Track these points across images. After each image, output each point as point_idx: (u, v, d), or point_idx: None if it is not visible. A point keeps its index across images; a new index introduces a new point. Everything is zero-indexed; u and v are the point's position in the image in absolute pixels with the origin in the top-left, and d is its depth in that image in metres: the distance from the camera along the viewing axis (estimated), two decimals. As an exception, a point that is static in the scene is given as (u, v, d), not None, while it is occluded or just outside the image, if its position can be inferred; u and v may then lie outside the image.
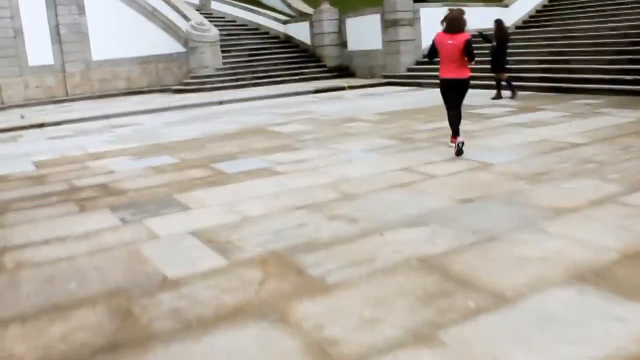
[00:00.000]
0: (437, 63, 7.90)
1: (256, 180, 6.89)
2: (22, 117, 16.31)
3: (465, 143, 7.66)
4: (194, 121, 13.36)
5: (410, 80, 19.31)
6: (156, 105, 17.03)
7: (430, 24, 21.28)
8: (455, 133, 7.70)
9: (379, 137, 9.28)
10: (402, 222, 4.97)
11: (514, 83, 13.48)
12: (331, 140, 9.30)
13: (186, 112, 15.66)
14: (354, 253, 4.31)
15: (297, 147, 8.89)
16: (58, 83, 22.41)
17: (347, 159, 7.81)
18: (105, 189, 7.07)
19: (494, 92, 13.59)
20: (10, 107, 20.89)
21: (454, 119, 7.74)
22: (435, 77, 8.62)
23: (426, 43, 21.57)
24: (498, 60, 13.39)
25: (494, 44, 13.16)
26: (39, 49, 21.97)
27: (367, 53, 21.88)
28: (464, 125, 8.02)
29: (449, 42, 7.42)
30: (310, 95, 17.88)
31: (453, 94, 7.69)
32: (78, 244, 5.00)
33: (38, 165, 9.13)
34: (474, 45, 7.41)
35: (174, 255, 4.54)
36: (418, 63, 20.49)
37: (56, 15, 22.19)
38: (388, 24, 20.50)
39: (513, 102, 12.74)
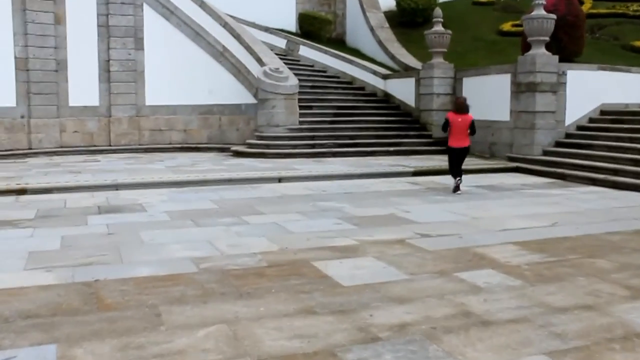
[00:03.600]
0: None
1: None
2: None
3: None
4: (215, 218, 8.44)
5: (547, 168, 13.74)
6: (192, 174, 12.31)
7: (579, 92, 15.75)
8: (458, 175, 11.00)
9: (553, 353, 3.89)
10: None
11: None
12: (445, 348, 3.98)
13: (225, 192, 10.82)
14: None
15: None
16: (101, 130, 18.38)
17: None
18: None
19: None
20: (36, 154, 16.97)
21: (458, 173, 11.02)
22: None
23: (572, 118, 16.08)
24: None
25: None
26: (82, 87, 18.08)
27: (489, 125, 16.46)
28: None
29: (460, 119, 10.89)
30: (406, 180, 12.64)
31: (460, 158, 11.07)
32: None
33: None
34: None
35: None
36: (559, 145, 14.90)
37: (108, 48, 18.28)
38: (521, 89, 15.09)
39: None
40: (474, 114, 17.33)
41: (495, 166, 14.53)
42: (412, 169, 13.57)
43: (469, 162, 14.84)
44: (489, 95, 16.47)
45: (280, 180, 12.20)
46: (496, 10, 24.65)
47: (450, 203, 9.80)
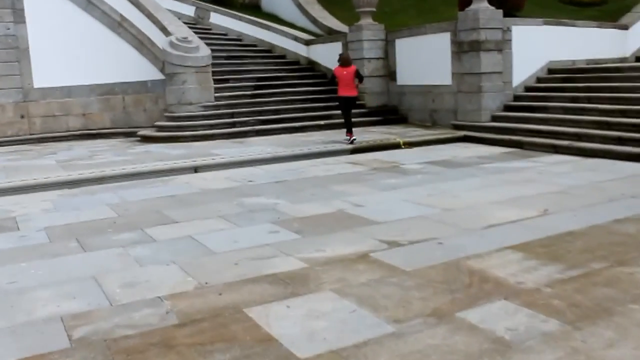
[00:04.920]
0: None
1: None
2: None
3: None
4: (110, 235, 6.35)
5: (499, 135, 12.24)
6: (88, 170, 10.04)
7: (525, 49, 14.28)
8: (350, 131, 12.14)
9: None
10: None
11: None
12: None
13: (128, 191, 8.70)
14: None
15: None
16: (-19, 119, 15.60)
17: None
18: None
19: None
20: None
21: (350, 122, 12.26)
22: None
23: (519, 78, 14.56)
24: None
25: None
26: (-46, 70, 15.23)
27: (428, 90, 14.85)
28: None
29: (345, 72, 12.11)
30: (346, 160, 10.83)
31: (349, 106, 12.35)
32: None
33: None
34: None
35: None
36: (508, 109, 13.43)
37: (-18, 22, 15.45)
38: (464, 48, 13.48)
39: None
40: (410, 78, 15.83)
41: (441, 136, 12.90)
42: (349, 146, 11.75)
43: (412, 133, 13.23)
44: (426, 58, 14.82)
45: (196, 170, 10.14)
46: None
47: (407, 188, 8.03)
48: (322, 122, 14.56)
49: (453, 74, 13.95)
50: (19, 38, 15.80)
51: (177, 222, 6.66)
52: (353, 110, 12.72)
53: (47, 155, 12.44)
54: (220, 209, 7.23)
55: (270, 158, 10.78)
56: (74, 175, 9.54)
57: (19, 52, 15.83)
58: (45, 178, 9.31)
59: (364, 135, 13.15)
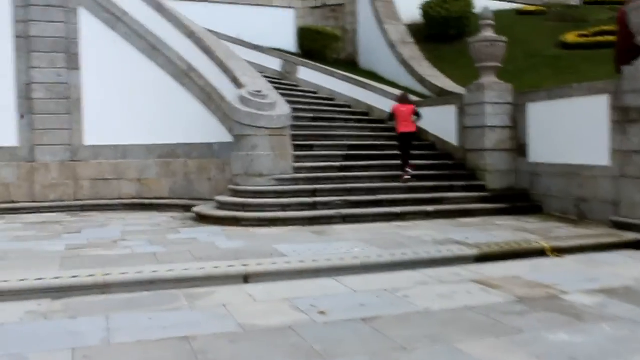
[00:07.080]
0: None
1: None
2: None
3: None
4: None
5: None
6: (88, 270, 6.93)
7: None
8: (405, 166, 12.11)
9: None
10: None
11: None
12: None
13: (127, 318, 5.52)
14: None
15: None
16: (21, 180, 13.18)
17: None
18: None
19: None
20: None
21: (408, 158, 12.17)
22: None
23: None
24: None
25: None
26: (-6, 122, 12.96)
27: (573, 171, 11.10)
28: None
29: (403, 109, 12.31)
30: (470, 275, 7.20)
31: (409, 142, 12.20)
32: None
33: None
34: None
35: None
36: (696, 203, 9.45)
37: (29, 67, 13.18)
38: (632, 117, 9.76)
39: None
40: (547, 155, 12.12)
41: (601, 239, 9.06)
42: (474, 251, 8.12)
43: (556, 232, 9.40)
44: (571, 128, 11.16)
45: (246, 279, 6.84)
46: (550, 21, 19.46)
47: (602, 365, 4.35)
48: (430, 208, 11.02)
49: (614, 151, 10.21)
50: (71, 87, 13.46)
51: None
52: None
53: (66, 235, 9.56)
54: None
55: (359, 266, 7.33)
56: (65, 278, 6.43)
57: (70, 103, 13.45)
58: (20, 281, 6.24)
59: (491, 231, 9.54)
